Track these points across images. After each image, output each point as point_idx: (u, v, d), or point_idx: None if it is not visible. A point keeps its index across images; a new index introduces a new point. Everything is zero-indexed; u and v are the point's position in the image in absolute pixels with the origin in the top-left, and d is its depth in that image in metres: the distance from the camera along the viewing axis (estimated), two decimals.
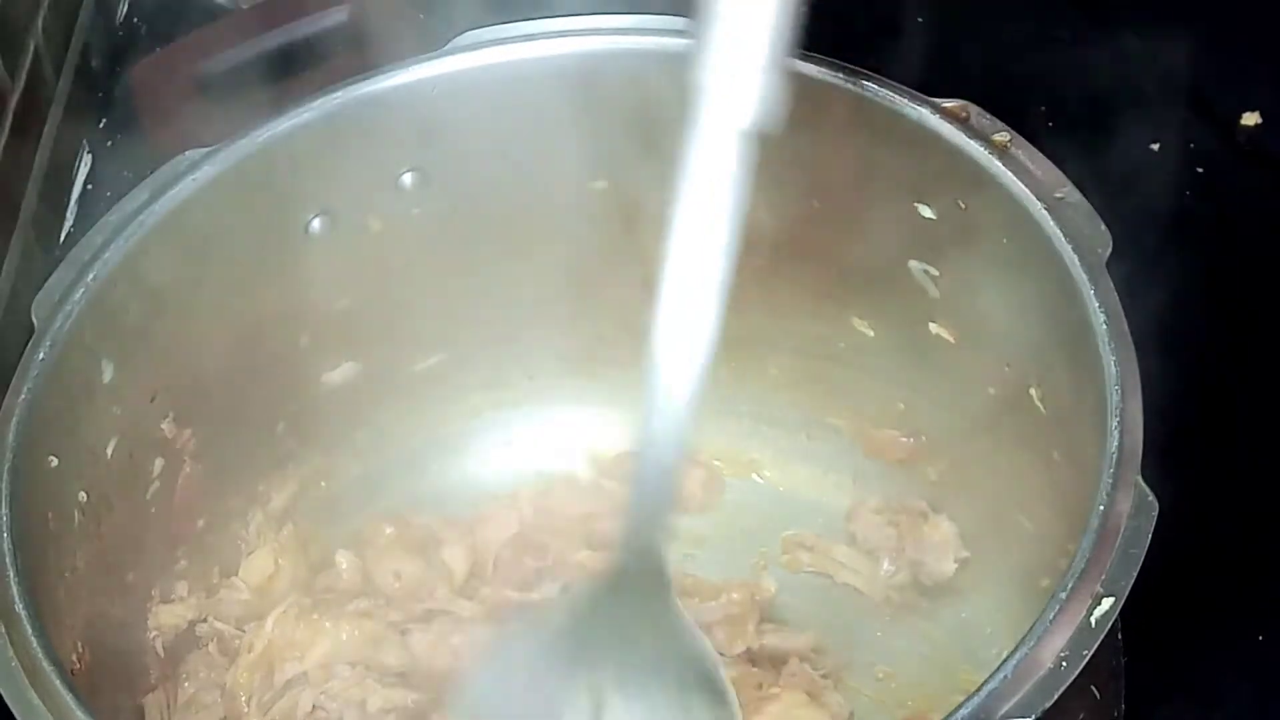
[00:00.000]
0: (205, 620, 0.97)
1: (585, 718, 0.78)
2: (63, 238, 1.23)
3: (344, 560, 1.00)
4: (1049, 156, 0.88)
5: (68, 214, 1.26)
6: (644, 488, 0.76)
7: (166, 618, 0.95)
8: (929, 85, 0.92)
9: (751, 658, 0.96)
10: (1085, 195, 0.87)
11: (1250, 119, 1.21)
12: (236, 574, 0.99)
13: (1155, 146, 1.20)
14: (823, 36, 0.99)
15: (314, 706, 0.93)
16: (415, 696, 0.93)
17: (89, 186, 1.27)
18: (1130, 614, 0.74)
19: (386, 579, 1.00)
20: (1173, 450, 0.82)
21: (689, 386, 0.73)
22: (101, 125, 1.31)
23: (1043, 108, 1.14)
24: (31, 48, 1.22)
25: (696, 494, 1.05)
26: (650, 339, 0.73)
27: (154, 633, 0.94)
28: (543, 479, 1.06)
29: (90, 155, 1.29)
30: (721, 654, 0.95)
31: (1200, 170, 1.19)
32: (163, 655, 0.94)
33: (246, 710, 0.94)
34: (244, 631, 0.96)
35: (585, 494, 1.05)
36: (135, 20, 1.38)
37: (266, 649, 0.94)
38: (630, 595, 0.78)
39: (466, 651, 0.95)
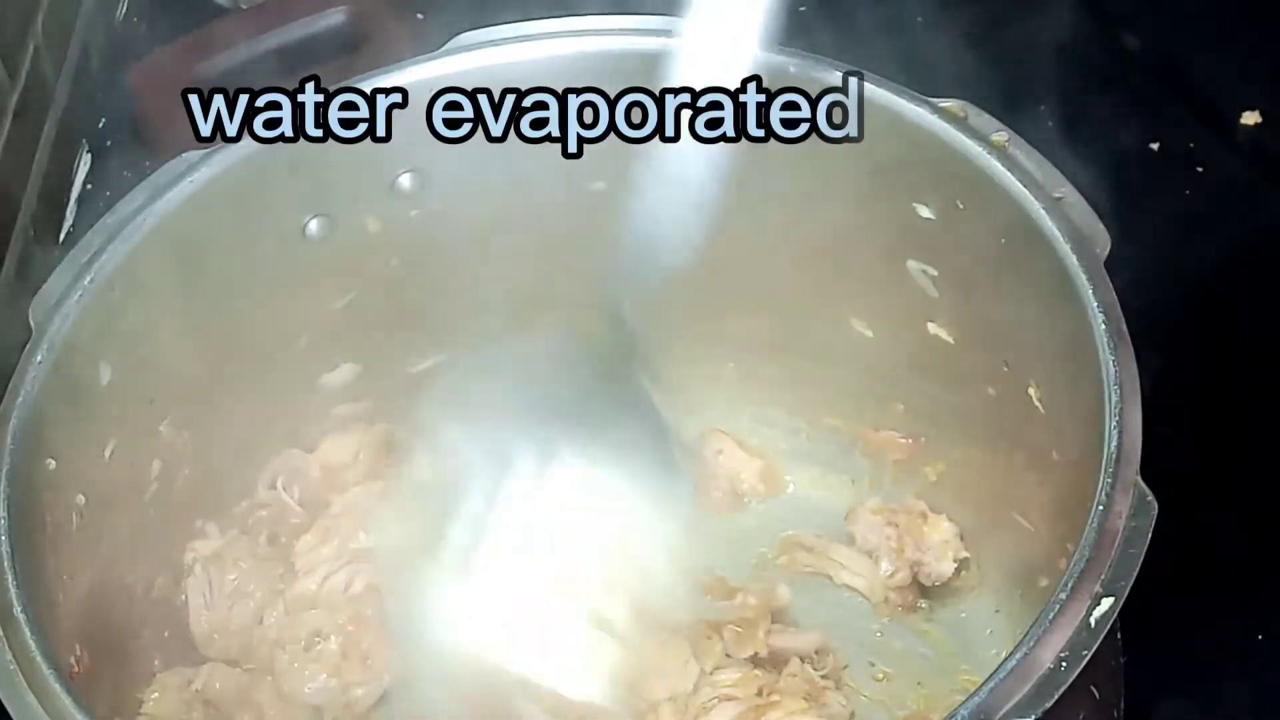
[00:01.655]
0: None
1: (533, 464, 0.79)
2: (62, 237, 1.23)
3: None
4: (1048, 156, 0.88)
5: (68, 214, 1.26)
6: (628, 253, 0.77)
7: (205, 549, 0.96)
8: (928, 85, 0.91)
9: (755, 659, 0.96)
10: (1085, 195, 0.87)
11: (1250, 119, 1.21)
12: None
13: (1155, 146, 1.20)
14: (823, 36, 0.99)
15: (367, 587, 0.94)
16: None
17: (89, 186, 1.27)
18: (1130, 614, 0.74)
19: None
20: (1172, 450, 0.82)
21: None
22: (101, 125, 1.31)
23: (1042, 108, 1.14)
24: (31, 48, 1.22)
25: (757, 487, 1.04)
26: None
27: (191, 554, 0.96)
28: None
29: (90, 155, 1.30)
30: (729, 655, 0.95)
31: (1200, 170, 1.19)
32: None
33: (300, 574, 0.95)
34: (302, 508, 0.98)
35: None
36: (135, 20, 1.38)
37: (344, 514, 0.96)
38: (597, 359, 0.79)
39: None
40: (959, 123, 0.89)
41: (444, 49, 0.96)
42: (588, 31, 0.96)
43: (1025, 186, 0.86)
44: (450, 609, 0.81)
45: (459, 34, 0.96)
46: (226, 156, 0.92)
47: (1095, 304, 0.82)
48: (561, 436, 0.80)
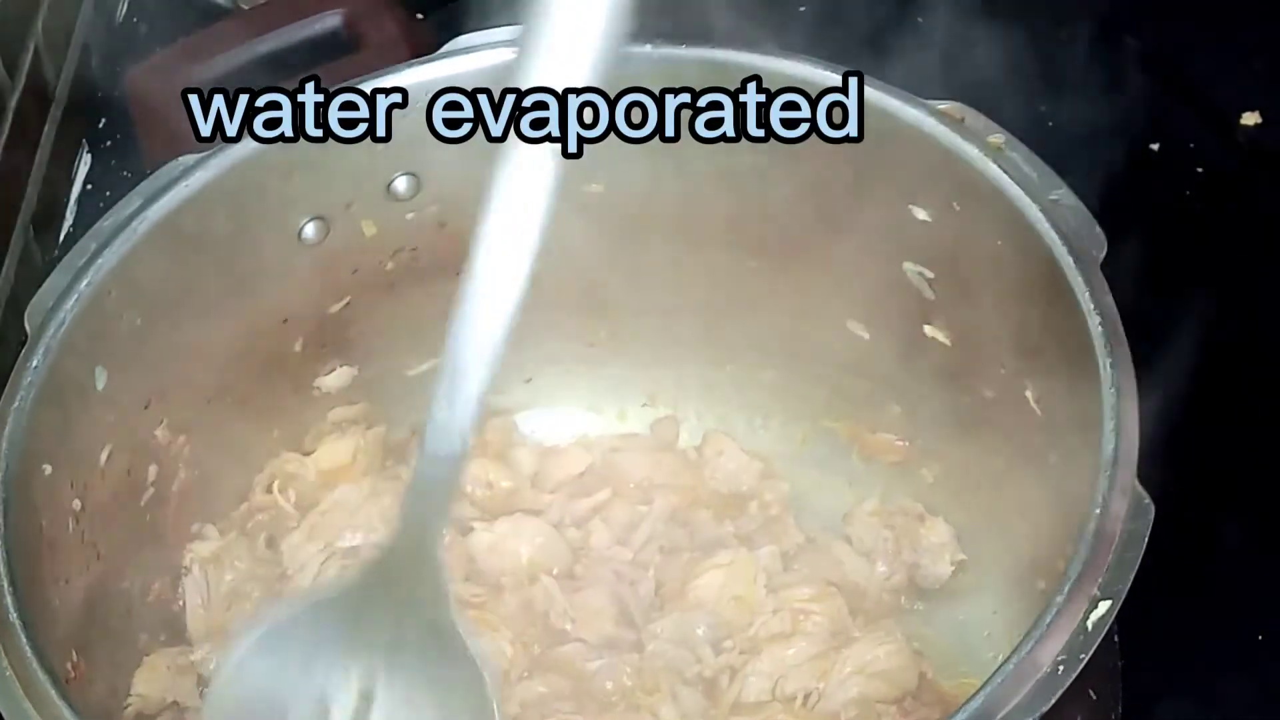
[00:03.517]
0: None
1: (353, 701, 0.78)
2: (62, 238, 1.24)
3: None
4: (1046, 157, 0.88)
5: (67, 214, 1.26)
6: (425, 479, 0.75)
7: (203, 550, 0.96)
8: (924, 87, 0.91)
9: None
10: (1084, 196, 0.87)
11: (1250, 119, 1.21)
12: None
13: (1155, 146, 1.20)
14: (820, 37, 0.99)
15: None
16: (475, 590, 0.95)
17: (88, 186, 1.28)
18: (1127, 615, 0.74)
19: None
20: (1170, 452, 0.82)
21: (479, 379, 0.74)
22: (101, 125, 1.31)
23: (1041, 108, 1.14)
24: (31, 48, 1.22)
25: (757, 488, 1.04)
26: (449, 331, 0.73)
27: (190, 555, 0.96)
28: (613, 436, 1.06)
29: (89, 155, 1.30)
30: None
31: (1200, 170, 1.19)
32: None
33: (291, 574, 0.95)
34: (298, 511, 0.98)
35: (651, 459, 1.04)
36: (135, 21, 1.39)
37: (332, 511, 0.96)
38: (404, 585, 0.77)
39: (527, 556, 0.97)
40: (956, 125, 0.89)
41: (444, 50, 0.96)
42: None
43: (1021, 188, 0.86)
44: None
45: (455, 38, 0.96)
46: (222, 160, 0.92)
47: (1092, 306, 0.82)
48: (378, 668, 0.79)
